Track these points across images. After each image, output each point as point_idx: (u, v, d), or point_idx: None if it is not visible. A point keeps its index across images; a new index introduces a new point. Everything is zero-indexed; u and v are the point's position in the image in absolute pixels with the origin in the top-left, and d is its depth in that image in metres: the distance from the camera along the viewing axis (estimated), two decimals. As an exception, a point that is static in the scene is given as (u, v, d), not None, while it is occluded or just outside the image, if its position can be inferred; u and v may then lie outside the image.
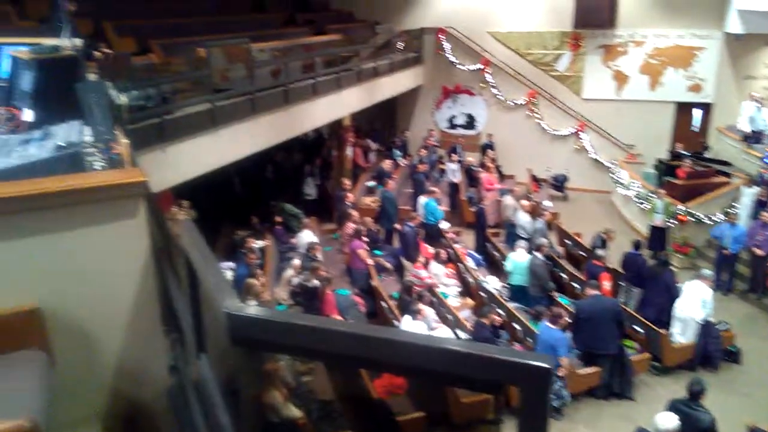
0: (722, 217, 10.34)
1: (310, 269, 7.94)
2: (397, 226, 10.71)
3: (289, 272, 8.74)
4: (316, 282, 7.67)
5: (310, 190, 12.68)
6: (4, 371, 1.74)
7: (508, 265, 8.93)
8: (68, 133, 2.33)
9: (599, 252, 8.91)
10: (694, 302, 7.50)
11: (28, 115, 2.82)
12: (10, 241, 1.82)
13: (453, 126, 16.26)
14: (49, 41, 3.19)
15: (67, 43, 3.00)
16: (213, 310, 1.00)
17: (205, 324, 1.39)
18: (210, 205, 10.01)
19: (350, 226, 9.82)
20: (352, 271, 9.36)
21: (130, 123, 5.12)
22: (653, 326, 7.60)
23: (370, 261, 9.23)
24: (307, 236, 9.65)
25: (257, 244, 9.18)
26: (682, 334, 7.58)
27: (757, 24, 12.40)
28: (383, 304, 8.40)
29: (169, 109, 6.67)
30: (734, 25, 12.87)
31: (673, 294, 7.87)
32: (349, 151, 13.55)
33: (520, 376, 0.90)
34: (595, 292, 7.16)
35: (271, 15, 13.81)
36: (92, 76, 3.46)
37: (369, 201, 12.06)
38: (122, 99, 2.96)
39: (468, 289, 9.28)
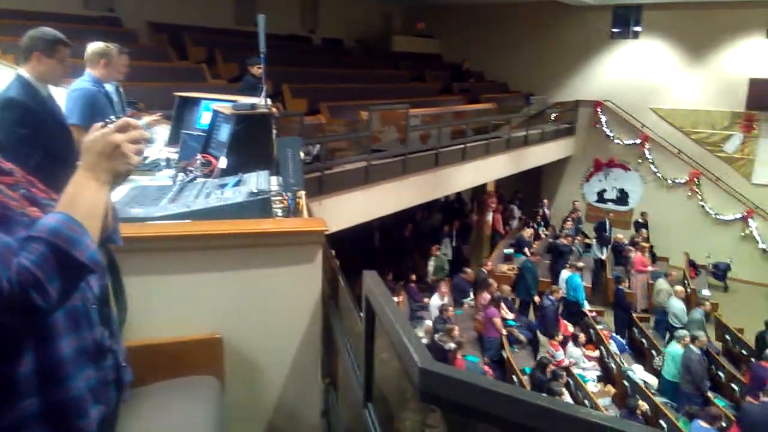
0: None
1: (445, 330, 7.88)
2: (536, 298, 10.34)
3: (419, 332, 8.74)
4: (451, 344, 7.59)
5: (447, 251, 12.73)
6: (185, 392, 1.91)
7: (659, 354, 8.20)
8: (258, 181, 2.58)
9: (773, 353, 7.80)
10: None
11: (222, 162, 3.17)
12: (204, 273, 2.04)
13: (603, 200, 15.59)
14: (246, 99, 3.60)
15: (261, 101, 3.36)
16: (403, 362, 1.04)
17: (376, 374, 1.44)
18: (351, 257, 10.41)
19: (486, 297, 9.64)
20: (484, 339, 9.12)
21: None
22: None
23: (503, 331, 8.96)
24: (439, 298, 9.64)
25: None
26: None
27: None
28: (514, 378, 8.05)
29: (330, 165, 7.17)
30: None
31: None
32: (489, 217, 13.51)
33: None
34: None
35: (429, 84, 14.47)
36: (274, 132, 3.84)
37: (506, 268, 11.81)
38: (301, 154, 3.26)
39: (609, 376, 8.61)
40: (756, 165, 13.73)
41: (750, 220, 13.57)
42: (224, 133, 3.36)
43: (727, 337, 9.77)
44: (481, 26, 16.96)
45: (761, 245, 13.44)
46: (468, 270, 10.93)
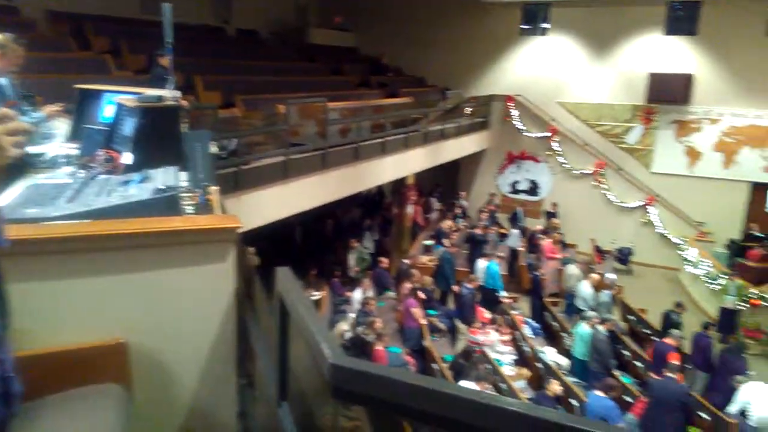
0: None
1: (367, 323, 7.91)
2: (455, 287, 10.59)
3: (343, 326, 8.74)
4: (372, 336, 7.64)
5: (368, 244, 12.79)
6: (86, 403, 1.80)
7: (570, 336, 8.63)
8: (165, 177, 2.47)
9: (675, 332, 8.36)
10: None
11: (127, 158, 3.00)
12: (107, 275, 1.92)
13: (516, 191, 16.21)
14: (152, 91, 3.43)
15: (169, 93, 3.22)
16: (315, 359, 1.03)
17: (291, 372, 1.42)
18: (272, 253, 10.24)
19: (407, 287, 9.77)
20: (405, 329, 9.25)
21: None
22: (721, 413, 7.09)
23: (423, 321, 9.11)
24: (361, 292, 9.68)
25: (315, 295, 9.28)
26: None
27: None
28: (435, 366, 8.22)
29: (247, 160, 6.98)
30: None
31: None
32: (409, 209, 13.69)
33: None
34: (671, 375, 6.76)
35: (346, 78, 14.42)
36: (184, 126, 3.69)
37: (426, 260, 12.03)
38: (213, 149, 3.15)
39: (524, 359, 8.97)
40: (655, 155, 14.75)
41: (650, 207, 14.57)
42: (129, 127, 3.18)
43: (631, 317, 10.44)
44: (398, 21, 17.12)
45: (659, 230, 14.46)
46: (383, 259, 11.05)
